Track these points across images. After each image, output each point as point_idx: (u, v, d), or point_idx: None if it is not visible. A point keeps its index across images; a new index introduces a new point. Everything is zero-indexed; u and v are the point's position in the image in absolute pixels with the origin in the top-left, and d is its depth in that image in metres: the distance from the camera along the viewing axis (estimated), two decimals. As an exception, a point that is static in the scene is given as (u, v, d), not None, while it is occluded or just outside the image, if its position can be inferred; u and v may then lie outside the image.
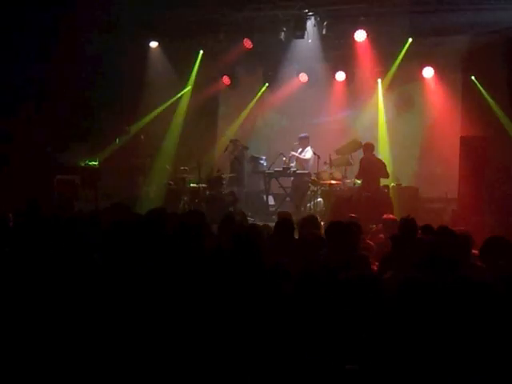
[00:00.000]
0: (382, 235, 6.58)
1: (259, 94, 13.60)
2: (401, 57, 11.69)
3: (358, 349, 2.80)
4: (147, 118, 12.97)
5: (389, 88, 12.49)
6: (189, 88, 13.37)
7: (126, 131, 12.08)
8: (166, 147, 13.00)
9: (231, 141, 12.55)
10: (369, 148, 10.48)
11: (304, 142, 11.53)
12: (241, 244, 3.86)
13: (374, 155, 10.52)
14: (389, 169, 10.47)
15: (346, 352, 2.80)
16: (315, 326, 2.94)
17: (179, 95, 13.37)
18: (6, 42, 10.09)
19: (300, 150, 11.53)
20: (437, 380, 2.69)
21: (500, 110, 11.00)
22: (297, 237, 5.42)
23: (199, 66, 13.22)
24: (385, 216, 6.84)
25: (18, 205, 6.70)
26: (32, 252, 4.21)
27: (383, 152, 11.98)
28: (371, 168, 10.23)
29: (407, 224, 5.17)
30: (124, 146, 12.25)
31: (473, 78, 11.49)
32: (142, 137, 12.22)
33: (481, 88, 11.36)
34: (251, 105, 13.86)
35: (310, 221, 5.89)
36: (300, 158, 11.46)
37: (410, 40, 11.36)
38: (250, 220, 10.02)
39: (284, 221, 5.47)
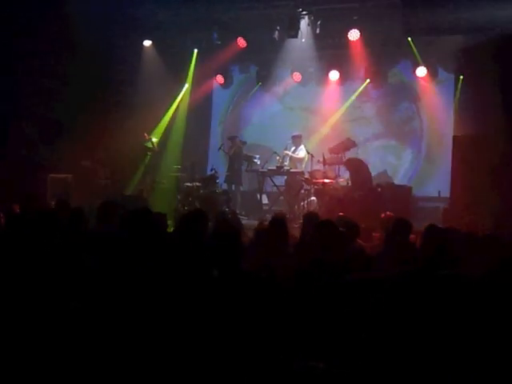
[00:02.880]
0: (376, 234, 6.59)
1: (252, 92, 13.61)
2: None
3: (355, 349, 2.79)
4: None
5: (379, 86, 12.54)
6: (187, 87, 13.32)
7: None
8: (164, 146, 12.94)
9: (229, 138, 12.54)
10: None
11: (297, 141, 11.53)
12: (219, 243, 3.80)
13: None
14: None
15: (344, 352, 2.80)
16: (312, 327, 2.94)
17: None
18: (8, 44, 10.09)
19: (293, 148, 11.54)
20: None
21: (493, 109, 11.00)
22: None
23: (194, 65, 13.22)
24: (382, 215, 6.83)
25: (11, 203, 6.67)
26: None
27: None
28: (362, 168, 10.27)
29: (400, 223, 5.21)
30: (117, 146, 12.20)
31: (466, 77, 11.51)
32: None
33: (473, 87, 11.37)
34: (244, 104, 13.87)
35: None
36: (293, 157, 11.47)
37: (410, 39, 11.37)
38: (244, 219, 10.03)
39: (277, 220, 5.45)
